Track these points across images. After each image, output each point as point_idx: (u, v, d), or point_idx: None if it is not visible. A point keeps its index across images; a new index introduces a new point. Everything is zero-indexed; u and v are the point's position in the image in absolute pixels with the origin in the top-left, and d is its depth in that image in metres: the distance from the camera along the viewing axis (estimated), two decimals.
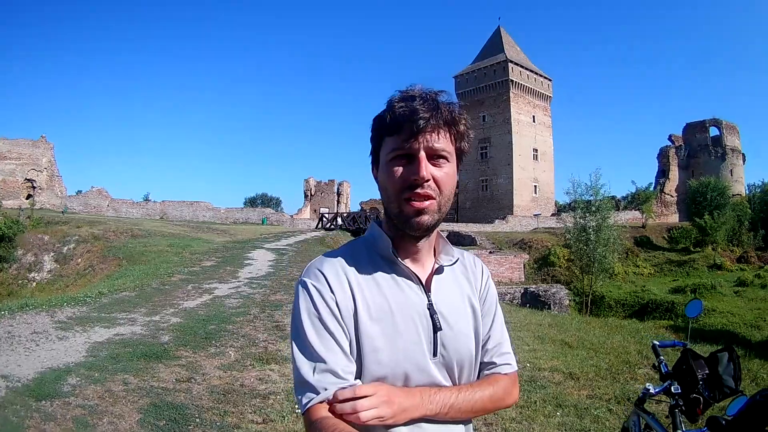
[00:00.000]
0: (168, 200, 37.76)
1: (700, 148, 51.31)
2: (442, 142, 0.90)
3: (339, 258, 0.94)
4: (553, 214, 43.28)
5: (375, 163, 0.97)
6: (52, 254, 20.06)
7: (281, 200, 67.44)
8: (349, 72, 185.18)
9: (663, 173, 51.65)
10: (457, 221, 42.77)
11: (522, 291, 21.17)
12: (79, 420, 3.43)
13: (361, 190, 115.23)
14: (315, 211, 50.68)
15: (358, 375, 0.88)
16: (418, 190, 0.88)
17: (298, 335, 0.87)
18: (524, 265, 28.71)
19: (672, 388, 1.86)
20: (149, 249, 16.06)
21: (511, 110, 48.21)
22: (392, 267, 0.94)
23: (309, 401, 0.83)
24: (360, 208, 53.16)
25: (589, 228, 23.27)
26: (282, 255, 15.23)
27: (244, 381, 4.39)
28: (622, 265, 30.15)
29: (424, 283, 0.95)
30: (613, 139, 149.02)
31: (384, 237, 0.95)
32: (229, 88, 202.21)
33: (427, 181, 0.88)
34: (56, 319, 6.91)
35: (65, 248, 19.94)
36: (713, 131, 51.56)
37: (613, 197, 28.84)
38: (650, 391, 2.02)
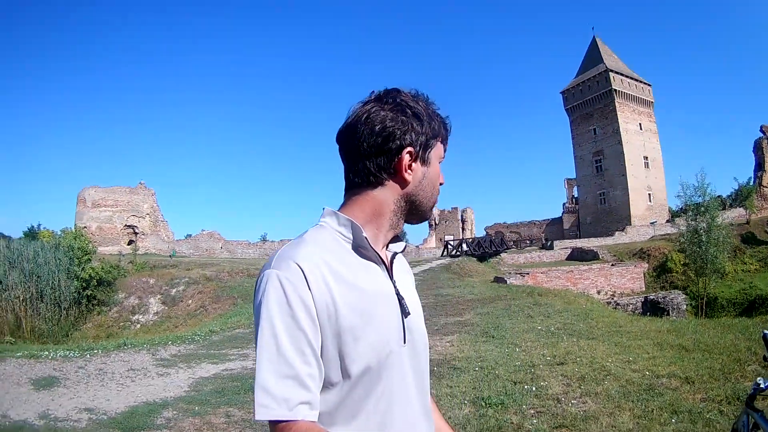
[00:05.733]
0: (286, 239, 38.95)
1: None
2: None
3: (310, 246, 0.88)
4: (667, 221, 42.23)
5: (420, 157, 0.96)
6: (158, 296, 20.48)
7: (405, 232, 66.74)
8: (453, 99, 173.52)
9: (760, 166, 47.21)
10: (579, 237, 43.98)
11: (642, 300, 21.81)
12: None
13: (485, 216, 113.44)
14: (440, 239, 49.66)
15: (341, 366, 0.83)
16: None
17: (265, 333, 0.80)
18: (644, 274, 29.40)
19: None
20: None
21: (619, 120, 47.46)
22: (362, 252, 0.92)
23: (264, 413, 0.77)
24: (485, 233, 52.76)
25: (701, 229, 24.01)
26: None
27: None
28: (732, 264, 29.78)
29: (388, 267, 0.95)
30: (713, 137, 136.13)
31: (354, 223, 0.91)
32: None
33: None
34: (158, 357, 7.01)
35: (173, 290, 20.56)
36: None
37: (719, 196, 29.02)
38: (761, 386, 1.84)
